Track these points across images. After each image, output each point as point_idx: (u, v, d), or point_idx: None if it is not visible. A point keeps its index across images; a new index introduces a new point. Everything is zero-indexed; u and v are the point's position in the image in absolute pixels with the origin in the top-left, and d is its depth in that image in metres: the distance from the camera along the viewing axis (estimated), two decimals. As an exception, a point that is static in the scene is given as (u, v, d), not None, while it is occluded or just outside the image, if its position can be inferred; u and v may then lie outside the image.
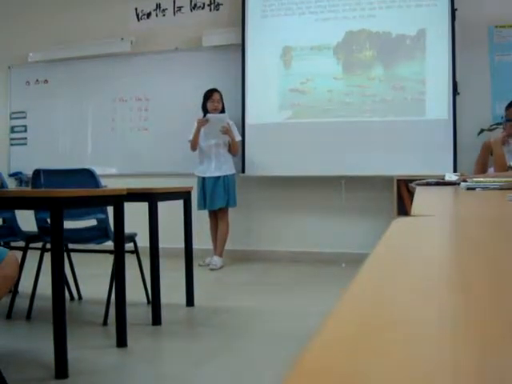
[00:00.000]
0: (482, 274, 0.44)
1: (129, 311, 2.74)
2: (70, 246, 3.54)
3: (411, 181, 3.21)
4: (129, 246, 3.18)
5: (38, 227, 3.27)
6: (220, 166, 5.06)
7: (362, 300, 0.35)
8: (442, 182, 2.76)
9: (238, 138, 5.17)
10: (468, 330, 0.27)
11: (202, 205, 5.06)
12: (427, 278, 0.42)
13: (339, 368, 0.23)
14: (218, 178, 5.04)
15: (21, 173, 6.07)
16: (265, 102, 5.37)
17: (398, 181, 4.80)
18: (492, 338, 0.26)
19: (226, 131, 4.98)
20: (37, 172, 3.27)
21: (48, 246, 3.09)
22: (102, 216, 3.20)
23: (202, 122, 4.97)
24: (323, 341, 0.27)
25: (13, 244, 3.53)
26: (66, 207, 2.38)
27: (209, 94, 5.09)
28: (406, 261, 0.52)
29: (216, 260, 4.98)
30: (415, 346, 0.25)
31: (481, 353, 0.24)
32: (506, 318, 0.29)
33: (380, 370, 0.23)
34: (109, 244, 3.09)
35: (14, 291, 3.38)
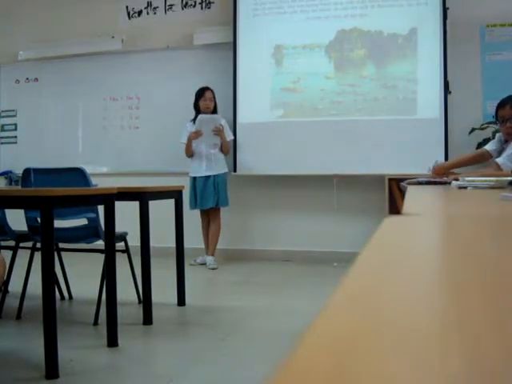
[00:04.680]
0: (472, 273, 0.44)
1: (120, 311, 2.73)
2: (61, 245, 3.52)
3: (403, 180, 3.21)
4: (120, 245, 3.17)
5: (28, 226, 3.25)
6: (211, 165, 5.05)
7: (352, 300, 0.34)
8: (433, 181, 2.76)
9: (230, 137, 5.16)
10: (458, 330, 0.27)
11: (194, 204, 5.06)
12: (417, 277, 0.42)
13: (327, 368, 0.23)
14: (208, 177, 5.03)
15: (11, 172, 6.02)
16: (256, 101, 5.37)
17: (390, 180, 4.81)
18: (482, 338, 0.25)
19: (218, 132, 4.98)
20: (27, 171, 3.25)
21: (38, 245, 3.07)
22: (92, 215, 3.19)
23: (196, 135, 4.96)
24: (311, 341, 0.26)
25: (3, 243, 3.51)
26: (57, 206, 2.37)
27: (201, 93, 5.08)
28: (397, 260, 0.51)
29: (210, 260, 4.97)
30: (405, 346, 0.25)
31: (471, 354, 0.23)
32: (496, 318, 0.29)
33: (369, 370, 0.22)
34: (99, 243, 3.08)
35: (4, 291, 3.37)
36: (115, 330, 2.67)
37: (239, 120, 5.38)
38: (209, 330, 2.97)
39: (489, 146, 3.51)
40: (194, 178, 5.08)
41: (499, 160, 3.17)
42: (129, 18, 6.01)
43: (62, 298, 3.64)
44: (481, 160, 3.58)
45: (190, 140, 5.01)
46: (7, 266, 2.44)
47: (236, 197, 5.40)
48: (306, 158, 5.19)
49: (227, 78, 5.42)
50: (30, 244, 3.34)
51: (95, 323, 3.02)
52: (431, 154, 4.90)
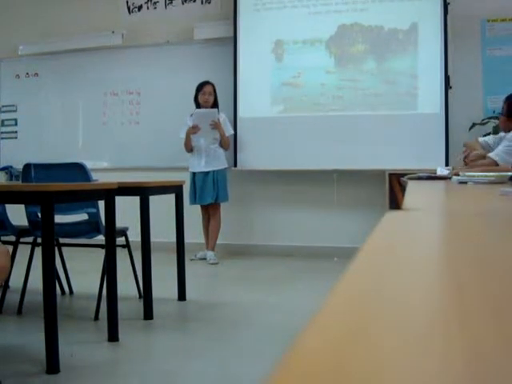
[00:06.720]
0: (473, 269, 0.43)
1: (120, 306, 2.73)
2: (61, 240, 3.52)
3: (403, 175, 3.21)
4: (120, 240, 3.17)
5: (29, 221, 3.25)
6: (210, 161, 5.04)
7: (352, 296, 0.34)
8: (433, 176, 2.76)
9: (229, 132, 5.15)
10: (459, 327, 0.27)
11: (193, 199, 5.05)
12: (418, 273, 0.42)
13: (327, 367, 0.23)
14: (207, 173, 5.02)
15: (11, 167, 6.01)
16: (257, 96, 5.36)
17: (390, 175, 4.81)
18: (482, 338, 0.25)
19: (216, 126, 4.97)
20: (27, 166, 3.25)
21: (39, 240, 3.07)
22: (93, 210, 3.19)
23: (193, 130, 4.95)
24: (311, 338, 0.26)
25: (3, 238, 3.51)
26: (57, 201, 2.37)
27: (200, 87, 5.07)
28: (397, 255, 0.51)
29: (210, 255, 4.97)
30: (405, 343, 0.25)
31: (471, 354, 0.23)
32: (496, 314, 0.29)
33: (368, 368, 0.22)
34: (100, 238, 3.08)
35: (5, 286, 3.37)
36: (116, 325, 2.68)
37: (240, 115, 5.38)
38: (209, 325, 2.97)
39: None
40: (194, 174, 5.08)
41: (491, 154, 3.18)
42: (129, 12, 5.99)
43: (63, 292, 3.65)
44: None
45: (188, 135, 5.01)
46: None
47: (236, 192, 5.40)
48: (306, 153, 5.19)
49: (227, 72, 5.41)
50: (30, 239, 3.34)
51: (96, 318, 3.03)
52: (432, 149, 4.91)
